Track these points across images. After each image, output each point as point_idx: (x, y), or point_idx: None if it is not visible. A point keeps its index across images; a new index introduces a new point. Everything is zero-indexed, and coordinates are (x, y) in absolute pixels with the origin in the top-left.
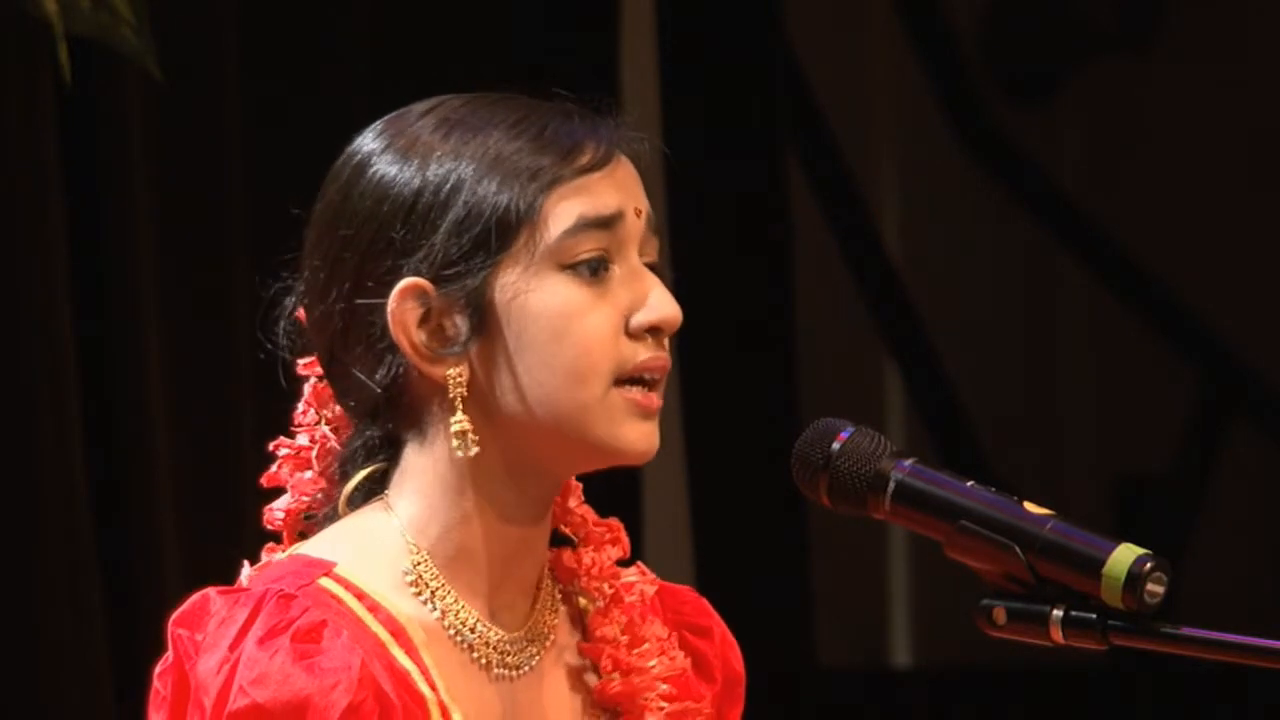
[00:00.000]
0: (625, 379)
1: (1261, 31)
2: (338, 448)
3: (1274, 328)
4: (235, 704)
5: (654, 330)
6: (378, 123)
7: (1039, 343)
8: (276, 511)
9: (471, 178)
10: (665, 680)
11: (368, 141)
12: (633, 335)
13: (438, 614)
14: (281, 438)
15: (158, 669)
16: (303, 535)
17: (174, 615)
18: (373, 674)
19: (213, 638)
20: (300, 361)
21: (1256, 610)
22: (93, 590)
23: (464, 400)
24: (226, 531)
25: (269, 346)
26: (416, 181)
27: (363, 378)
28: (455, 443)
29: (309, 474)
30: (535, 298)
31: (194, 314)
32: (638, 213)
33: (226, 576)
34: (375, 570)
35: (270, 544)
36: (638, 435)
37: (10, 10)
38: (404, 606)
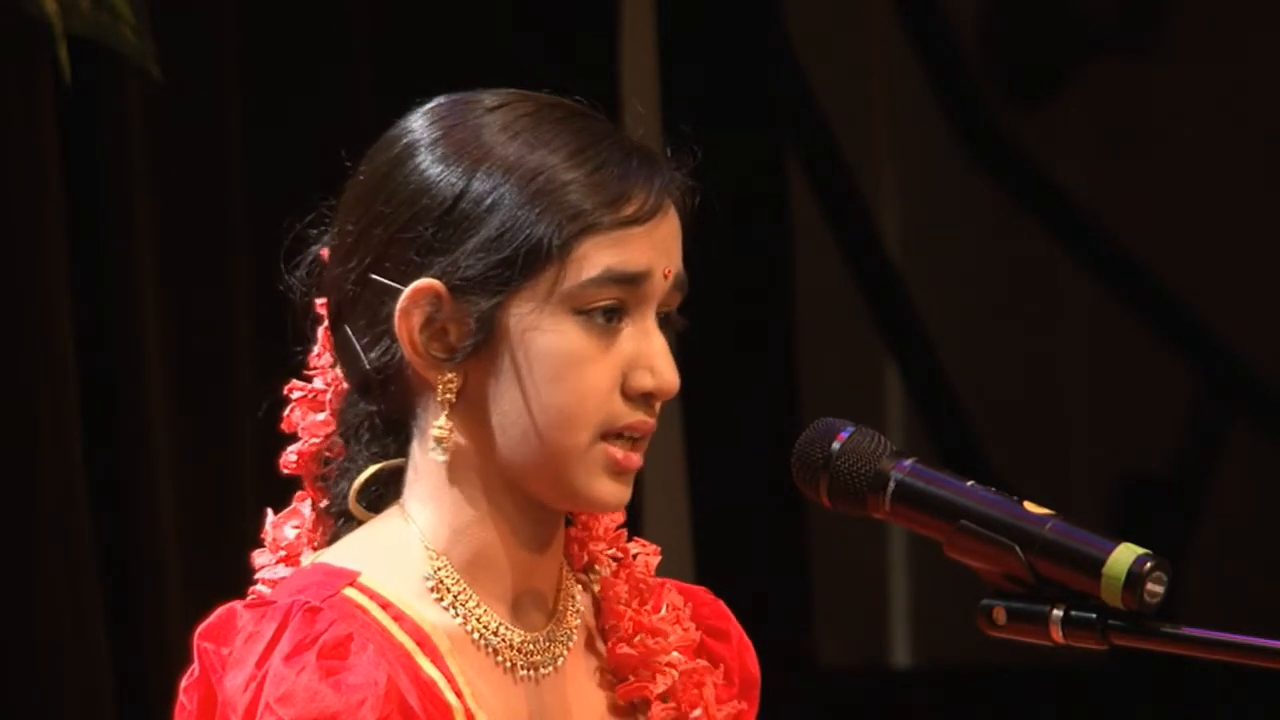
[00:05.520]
0: (611, 434)
1: (1262, 31)
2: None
3: (1274, 328)
4: None
5: (648, 395)
6: (441, 102)
7: (1039, 343)
8: (291, 455)
9: (514, 200)
10: (680, 649)
11: (425, 123)
12: (627, 395)
13: (460, 619)
14: (294, 380)
15: (183, 683)
16: (324, 479)
17: (200, 628)
18: (399, 688)
19: (240, 653)
20: (319, 300)
21: (1256, 610)
22: (93, 590)
23: (451, 406)
24: (226, 531)
25: (292, 291)
26: (460, 185)
27: (357, 348)
28: (432, 445)
29: (321, 416)
30: (543, 335)
31: (194, 314)
32: (666, 274)
33: (226, 577)
34: (397, 578)
35: (299, 492)
36: (609, 491)
37: (10, 10)
38: (428, 614)
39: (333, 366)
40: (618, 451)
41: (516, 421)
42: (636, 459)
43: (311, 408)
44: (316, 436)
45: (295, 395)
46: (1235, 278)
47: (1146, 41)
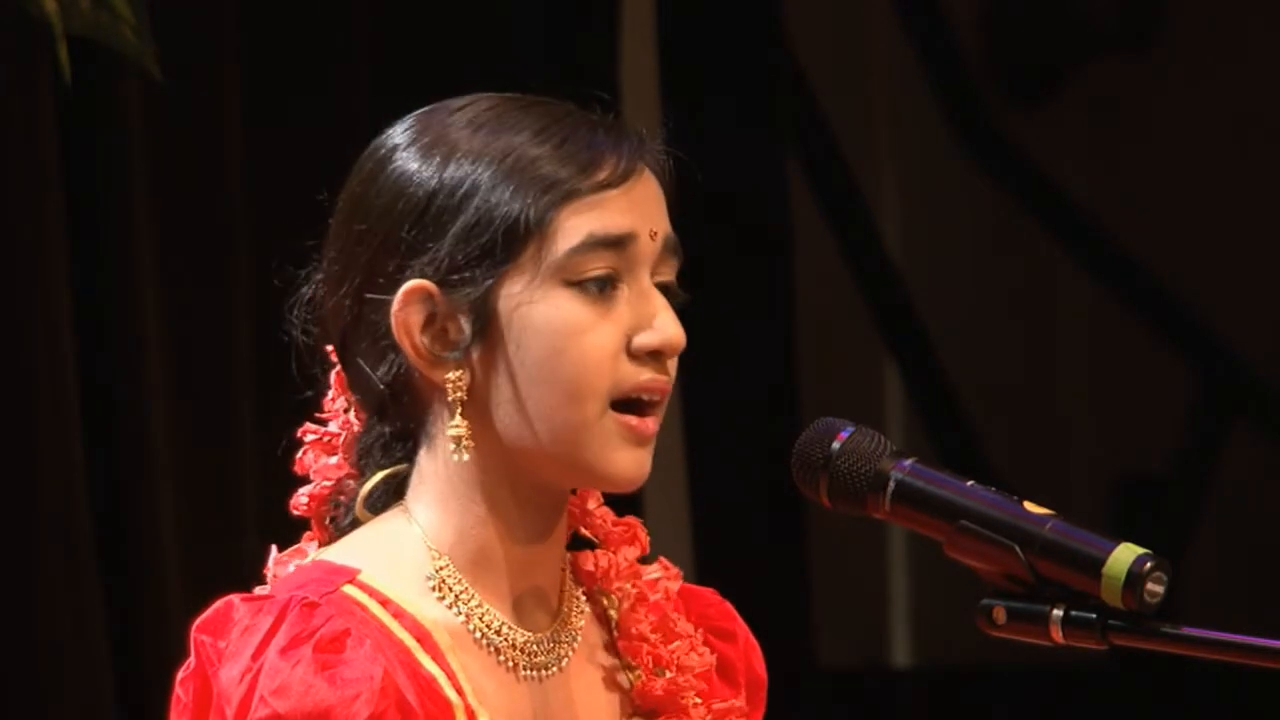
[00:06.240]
0: (622, 400)
1: (1261, 31)
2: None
3: (1274, 328)
4: (256, 714)
5: (655, 353)
6: (410, 116)
7: (1039, 343)
8: (301, 497)
9: (486, 184)
10: (698, 676)
11: (395, 135)
12: (634, 356)
13: (463, 618)
14: (308, 424)
15: (180, 675)
16: (333, 521)
17: (197, 621)
18: (396, 683)
19: (236, 646)
20: (329, 347)
21: (1256, 610)
22: (93, 590)
23: (463, 405)
24: (227, 531)
25: (291, 332)
26: (433, 182)
27: (368, 372)
28: (451, 447)
29: (334, 459)
30: (539, 311)
31: (194, 314)
32: (652, 235)
33: (227, 576)
34: (398, 576)
35: (308, 533)
36: (628, 462)
37: (10, 10)
38: (429, 611)
39: (346, 410)
40: (631, 419)
41: (524, 406)
42: (652, 424)
43: (325, 451)
44: (329, 480)
45: (309, 439)
46: (1235, 278)
47: (1146, 41)
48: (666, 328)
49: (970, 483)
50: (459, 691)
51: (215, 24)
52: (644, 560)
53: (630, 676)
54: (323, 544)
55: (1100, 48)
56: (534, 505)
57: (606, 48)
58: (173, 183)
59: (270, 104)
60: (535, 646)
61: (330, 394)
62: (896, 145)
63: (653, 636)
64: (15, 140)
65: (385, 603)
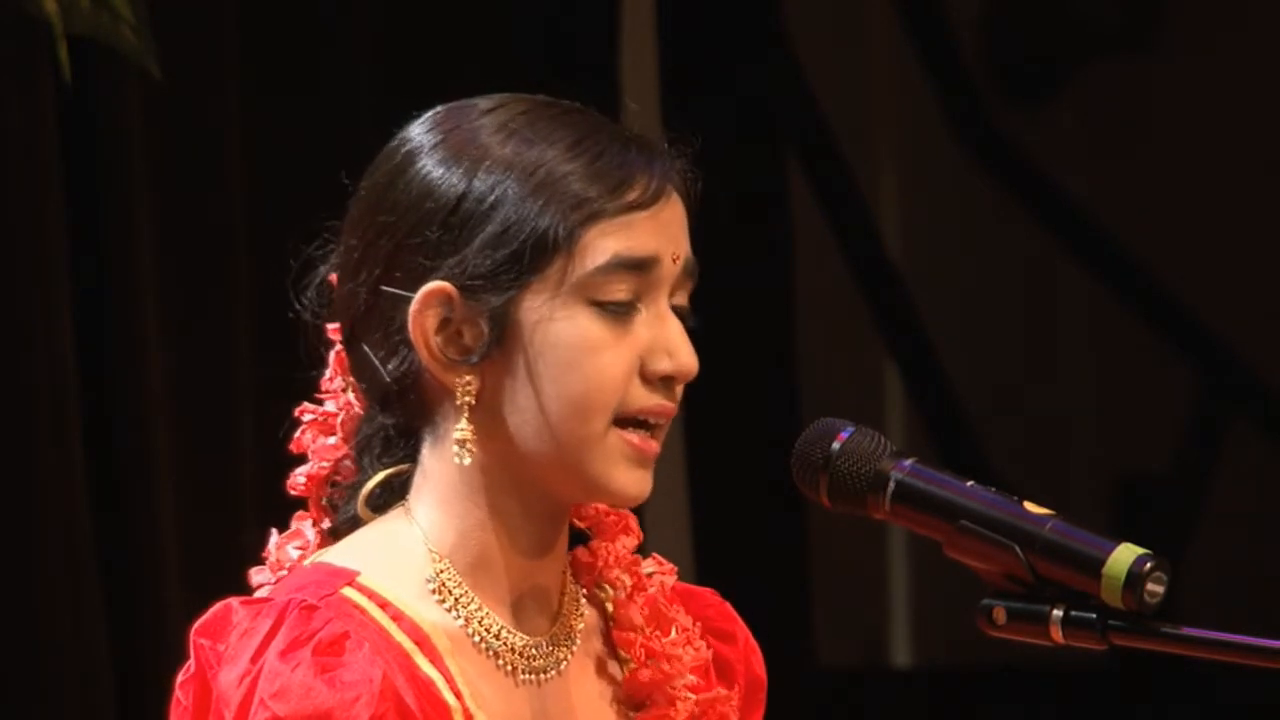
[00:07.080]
0: (627, 419)
1: (1261, 31)
2: (361, 413)
3: (1274, 328)
4: (256, 717)
5: (667, 379)
6: (437, 111)
7: (1039, 343)
8: (299, 477)
9: (516, 194)
10: (692, 670)
11: (423, 131)
12: (646, 380)
13: (461, 621)
14: (306, 404)
15: (179, 678)
16: (330, 503)
17: (196, 625)
18: (395, 686)
19: (235, 649)
20: (330, 325)
21: (1256, 610)
22: (93, 590)
23: (470, 409)
24: (227, 531)
25: (298, 309)
26: (462, 186)
27: (375, 363)
28: (455, 449)
29: (332, 439)
30: (557, 326)
31: (194, 314)
32: (675, 259)
33: (227, 576)
34: (398, 578)
35: (300, 511)
36: (630, 480)
37: (10, 10)
38: (428, 614)
39: (344, 390)
40: (634, 436)
41: (533, 416)
42: (654, 445)
43: (322, 431)
44: (326, 460)
45: (306, 418)
46: (1235, 278)
47: (1146, 41)
48: (681, 355)
49: (970, 483)
50: (457, 695)
51: (215, 24)
52: (637, 553)
53: (625, 669)
54: (318, 524)
55: (1100, 48)
56: (537, 513)
57: (606, 47)
58: (173, 183)
59: (270, 104)
60: (534, 650)
61: (329, 374)
62: (896, 145)
63: (646, 629)
64: (15, 140)
65: (384, 605)
